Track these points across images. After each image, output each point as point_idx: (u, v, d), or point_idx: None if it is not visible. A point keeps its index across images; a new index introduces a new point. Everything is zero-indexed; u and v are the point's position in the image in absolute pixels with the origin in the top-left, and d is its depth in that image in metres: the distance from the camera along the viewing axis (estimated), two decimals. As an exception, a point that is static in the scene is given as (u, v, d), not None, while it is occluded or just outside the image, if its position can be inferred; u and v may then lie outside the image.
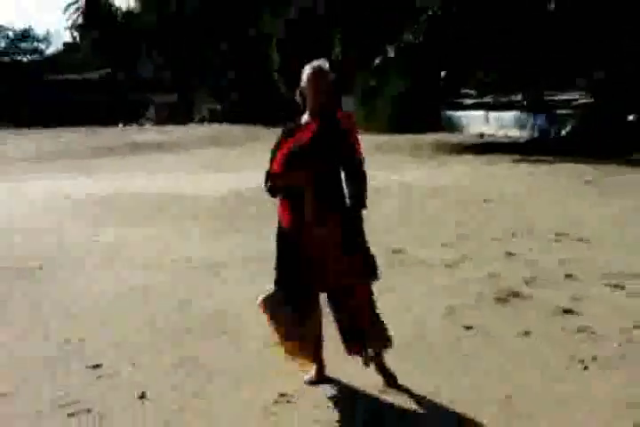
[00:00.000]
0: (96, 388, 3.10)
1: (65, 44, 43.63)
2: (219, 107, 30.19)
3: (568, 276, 4.71)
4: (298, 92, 2.92)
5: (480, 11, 15.14)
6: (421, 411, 2.81)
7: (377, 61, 16.96)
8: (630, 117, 15.12)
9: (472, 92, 22.35)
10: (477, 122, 20.59)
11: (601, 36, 14.43)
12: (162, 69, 33.11)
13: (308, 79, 2.85)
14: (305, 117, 2.92)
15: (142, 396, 2.98)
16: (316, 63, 2.89)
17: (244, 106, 28.38)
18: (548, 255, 5.35)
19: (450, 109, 21.92)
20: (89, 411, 2.86)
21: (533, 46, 15.04)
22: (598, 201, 8.16)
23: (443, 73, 19.11)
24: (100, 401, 2.95)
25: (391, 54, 16.63)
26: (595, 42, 14.58)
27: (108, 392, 3.05)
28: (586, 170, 11.31)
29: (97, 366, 3.32)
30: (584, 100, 18.08)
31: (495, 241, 5.96)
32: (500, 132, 19.39)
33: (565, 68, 16.17)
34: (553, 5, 14.00)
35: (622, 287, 4.41)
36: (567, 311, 3.95)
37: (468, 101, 22.00)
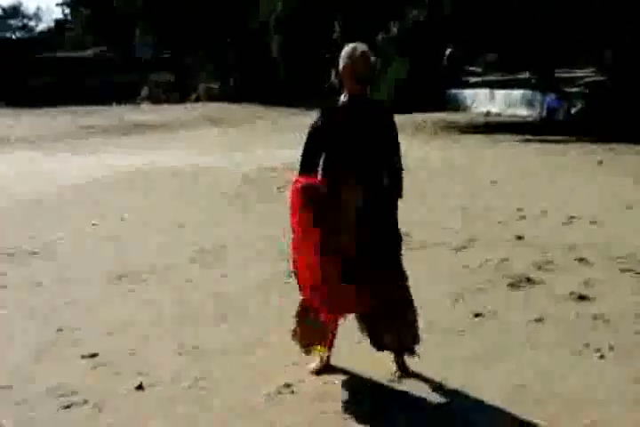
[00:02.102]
0: (92, 378, 2.99)
1: (56, 21, 42.48)
2: (216, 86, 29.71)
3: (580, 260, 4.58)
4: (334, 74, 2.84)
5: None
6: (431, 398, 2.73)
7: (379, 39, 16.58)
8: None
9: (478, 69, 21.92)
10: (483, 100, 20.20)
11: (606, 14, 14.06)
12: (158, 48, 32.51)
13: (354, 62, 2.76)
14: (342, 99, 2.86)
15: (140, 386, 2.87)
16: (358, 46, 2.80)
17: (243, 86, 27.97)
18: (559, 239, 5.21)
19: (455, 88, 21.49)
20: (85, 402, 2.76)
21: (539, 23, 14.66)
22: (610, 182, 7.97)
23: (447, 51, 18.71)
24: (96, 392, 2.84)
25: (394, 32, 16.23)
26: (600, 19, 14.21)
27: (104, 382, 2.94)
28: (597, 150, 11.08)
29: (93, 356, 3.21)
30: (594, 78, 17.70)
31: (503, 224, 5.82)
32: (508, 111, 19.01)
33: (572, 44, 15.78)
34: None
35: (637, 272, 4.27)
36: (581, 297, 3.83)
37: (474, 79, 21.56)
